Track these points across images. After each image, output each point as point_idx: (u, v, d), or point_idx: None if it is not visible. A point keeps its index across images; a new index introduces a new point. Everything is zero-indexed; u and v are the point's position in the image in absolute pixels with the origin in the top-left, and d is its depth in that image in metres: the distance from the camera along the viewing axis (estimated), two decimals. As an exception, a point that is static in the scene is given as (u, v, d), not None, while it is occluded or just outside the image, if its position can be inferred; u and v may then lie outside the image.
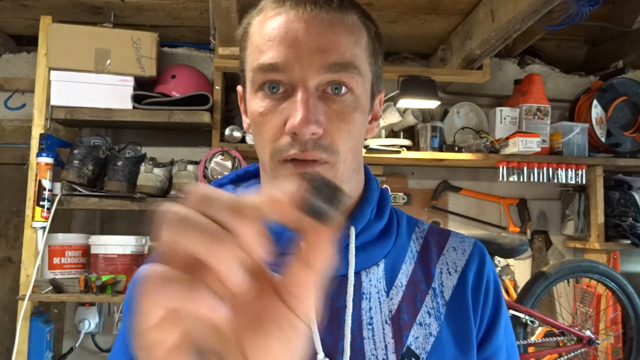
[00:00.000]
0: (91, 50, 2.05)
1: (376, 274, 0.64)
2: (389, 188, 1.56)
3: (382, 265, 0.64)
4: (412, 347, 0.61)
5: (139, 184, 2.03)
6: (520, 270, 2.60)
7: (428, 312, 0.63)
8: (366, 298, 0.62)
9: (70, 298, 2.03)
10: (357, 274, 0.63)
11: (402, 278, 0.65)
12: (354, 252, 0.63)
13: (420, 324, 0.62)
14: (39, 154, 2.01)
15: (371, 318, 0.62)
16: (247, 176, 0.75)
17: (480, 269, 0.68)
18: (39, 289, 2.00)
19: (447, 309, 0.64)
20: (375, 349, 0.60)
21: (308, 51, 0.57)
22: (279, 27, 0.59)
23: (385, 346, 0.61)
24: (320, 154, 0.58)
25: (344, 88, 0.59)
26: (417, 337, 0.61)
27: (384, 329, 0.61)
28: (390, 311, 0.62)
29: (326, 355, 0.59)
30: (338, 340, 0.60)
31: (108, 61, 2.06)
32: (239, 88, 0.70)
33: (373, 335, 0.61)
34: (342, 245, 0.63)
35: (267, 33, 0.59)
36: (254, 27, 0.62)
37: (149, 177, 2.04)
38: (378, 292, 0.63)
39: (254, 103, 0.61)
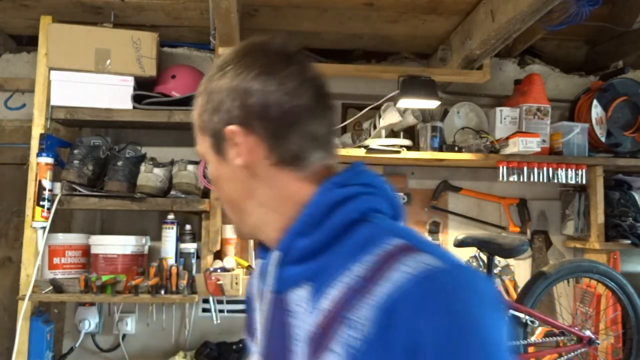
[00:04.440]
0: (91, 50, 2.05)
1: (301, 294, 0.67)
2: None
3: (306, 286, 0.66)
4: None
5: (139, 184, 2.03)
6: (520, 270, 2.60)
7: (342, 344, 0.59)
8: (293, 316, 0.67)
9: (71, 298, 2.03)
10: (286, 292, 0.68)
11: (325, 302, 0.63)
12: (272, 273, 0.70)
13: (335, 352, 0.60)
14: (39, 154, 2.01)
15: (298, 334, 0.65)
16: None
17: (403, 309, 0.56)
18: (39, 289, 2.00)
19: (361, 345, 0.58)
20: (289, 357, 0.65)
21: None
22: None
23: None
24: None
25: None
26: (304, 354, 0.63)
27: (305, 348, 0.64)
28: (310, 332, 0.63)
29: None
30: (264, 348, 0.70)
31: (108, 61, 2.06)
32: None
33: (298, 351, 0.65)
34: (274, 265, 0.70)
35: None
36: None
37: (149, 177, 2.04)
38: (304, 312, 0.65)
39: None
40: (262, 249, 0.75)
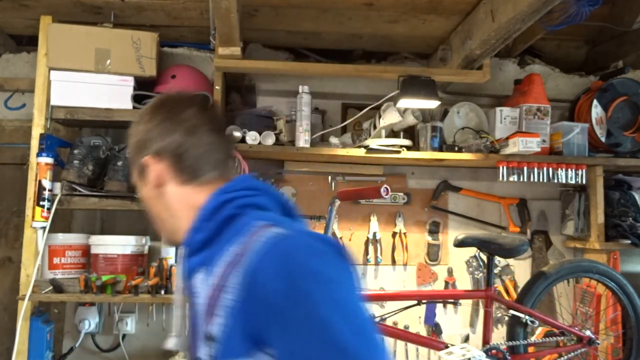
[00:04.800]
0: (91, 50, 2.05)
1: (200, 277, 0.87)
2: (389, 188, 1.56)
3: (203, 270, 0.86)
4: (212, 333, 0.80)
5: (139, 184, 2.03)
6: (520, 270, 2.60)
7: (223, 307, 0.78)
8: (197, 296, 0.87)
9: (70, 298, 2.03)
10: (192, 278, 0.89)
11: (213, 278, 0.82)
12: (182, 264, 0.93)
13: (219, 316, 0.79)
14: (39, 154, 2.01)
15: (199, 310, 0.85)
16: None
17: (255, 267, 0.74)
18: (39, 289, 2.00)
19: (234, 304, 0.76)
20: (199, 331, 0.84)
21: None
22: None
23: (203, 330, 0.83)
24: None
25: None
26: (215, 326, 0.79)
27: (203, 318, 0.83)
28: (204, 304, 0.83)
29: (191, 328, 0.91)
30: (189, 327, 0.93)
31: (108, 61, 2.06)
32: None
33: (197, 322, 0.86)
34: (182, 258, 0.93)
35: None
36: None
37: (149, 177, 2.04)
38: (201, 291, 0.85)
39: None
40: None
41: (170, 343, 1.02)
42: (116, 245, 2.07)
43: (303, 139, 2.19)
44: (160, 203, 0.97)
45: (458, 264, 2.57)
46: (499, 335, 2.48)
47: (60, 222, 2.23)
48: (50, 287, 1.99)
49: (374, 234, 2.49)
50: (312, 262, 0.73)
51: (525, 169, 2.29)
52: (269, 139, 2.19)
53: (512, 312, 2.02)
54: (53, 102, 2.06)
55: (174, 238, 0.98)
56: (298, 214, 0.96)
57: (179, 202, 0.94)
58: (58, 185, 2.03)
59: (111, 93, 2.07)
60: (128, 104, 2.07)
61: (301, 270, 0.71)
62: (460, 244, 2.09)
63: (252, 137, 2.17)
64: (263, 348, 0.74)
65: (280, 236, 0.76)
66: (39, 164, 2.00)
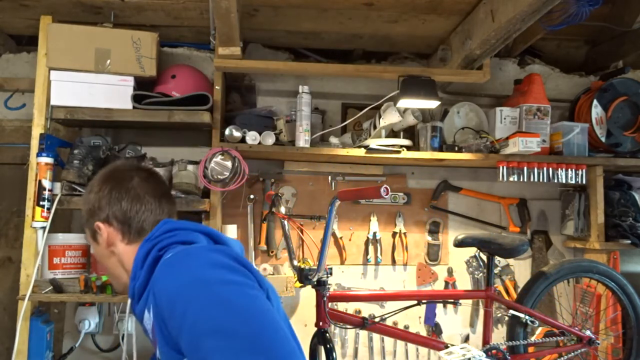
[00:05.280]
0: (91, 50, 2.05)
1: (147, 316, 1.01)
2: (389, 188, 1.56)
3: (147, 309, 1.00)
4: (157, 355, 0.99)
5: (139, 184, 2.03)
6: (520, 270, 2.60)
7: (157, 330, 0.93)
8: (149, 333, 1.03)
9: (70, 298, 2.03)
10: (143, 319, 1.04)
11: (152, 311, 0.95)
12: (128, 312, 1.41)
13: (158, 341, 0.94)
14: (39, 154, 2.01)
15: (155, 339, 0.98)
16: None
17: (155, 293, 0.91)
18: (39, 289, 1.99)
19: (157, 324, 0.91)
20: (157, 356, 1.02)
21: None
22: None
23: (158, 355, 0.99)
24: None
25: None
26: (158, 351, 0.96)
27: (156, 341, 0.98)
28: (151, 338, 1.01)
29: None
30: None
31: (108, 61, 2.06)
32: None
33: (157, 345, 0.99)
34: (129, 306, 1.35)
35: None
36: None
37: (149, 177, 2.04)
38: (150, 324, 0.99)
39: None
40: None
41: None
42: (116, 245, 2.07)
43: (303, 139, 2.19)
44: (112, 260, 1.15)
45: (458, 264, 2.57)
46: (499, 335, 2.48)
47: (60, 222, 2.23)
48: (50, 287, 1.99)
49: (374, 234, 2.49)
50: (185, 270, 0.88)
51: (525, 169, 2.29)
52: (269, 139, 2.19)
53: (512, 312, 2.02)
54: (53, 102, 2.06)
55: (126, 289, 1.13)
56: (227, 240, 1.13)
57: (128, 258, 1.12)
58: (58, 185, 2.03)
59: (111, 93, 2.06)
60: (128, 104, 2.07)
61: (176, 281, 0.87)
62: (460, 244, 2.09)
63: (252, 137, 2.17)
64: (183, 353, 0.86)
65: (176, 251, 0.94)
66: (39, 164, 2.00)
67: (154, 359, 1.30)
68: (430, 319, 2.50)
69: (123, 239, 1.13)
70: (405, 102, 2.14)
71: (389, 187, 1.51)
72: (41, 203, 1.98)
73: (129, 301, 1.11)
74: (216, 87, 2.21)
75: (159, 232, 1.07)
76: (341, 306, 2.39)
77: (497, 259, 2.42)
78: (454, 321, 2.56)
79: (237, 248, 1.16)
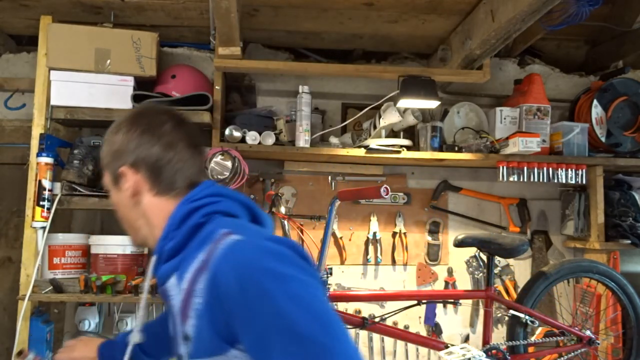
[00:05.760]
0: (91, 50, 2.05)
1: (172, 282, 0.93)
2: (389, 188, 1.56)
3: (174, 277, 0.93)
4: (188, 333, 0.88)
5: (139, 184, 2.03)
6: (520, 270, 2.60)
7: (194, 309, 0.86)
8: (172, 299, 0.94)
9: (70, 298, 2.03)
10: (165, 283, 0.95)
11: (184, 283, 0.89)
12: (149, 274, 1.04)
13: (191, 317, 0.87)
14: (39, 154, 2.01)
15: (175, 312, 0.93)
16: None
17: (216, 272, 0.81)
18: (39, 289, 1.99)
19: (202, 307, 0.84)
20: (178, 331, 0.93)
21: None
22: None
23: (180, 329, 0.91)
24: None
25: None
26: (189, 327, 0.87)
27: (178, 319, 0.91)
28: (179, 307, 0.91)
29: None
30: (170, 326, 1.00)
31: (108, 61, 2.06)
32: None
33: (175, 322, 0.94)
34: (151, 266, 1.02)
35: None
36: None
37: (149, 177, 2.04)
38: (175, 294, 0.92)
39: None
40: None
41: (135, 337, 1.14)
42: (116, 245, 2.07)
43: (303, 139, 2.19)
44: (134, 211, 1.02)
45: (458, 264, 2.57)
46: (499, 335, 2.48)
47: (60, 222, 2.23)
48: (50, 287, 1.99)
49: (374, 234, 2.49)
50: (263, 260, 0.78)
51: (525, 169, 2.29)
52: (269, 139, 2.19)
53: (512, 312, 2.02)
54: (53, 102, 2.06)
55: (144, 242, 1.06)
56: (265, 218, 1.03)
57: (155, 212, 1.00)
58: (58, 185, 2.03)
59: (111, 93, 2.06)
60: (128, 104, 2.06)
61: (253, 268, 0.77)
62: (460, 244, 2.09)
63: (252, 137, 2.17)
64: (234, 344, 0.80)
65: (237, 242, 0.83)
66: (39, 164, 2.00)
67: (152, 325, 1.30)
68: (430, 319, 2.50)
69: (151, 189, 0.99)
70: (405, 102, 2.14)
71: (389, 187, 1.52)
72: (41, 203, 1.98)
73: (152, 260, 1.03)
74: (216, 87, 2.21)
75: (203, 193, 0.97)
76: (341, 306, 2.39)
77: (497, 259, 2.42)
78: (454, 321, 2.56)
79: (270, 227, 1.06)
